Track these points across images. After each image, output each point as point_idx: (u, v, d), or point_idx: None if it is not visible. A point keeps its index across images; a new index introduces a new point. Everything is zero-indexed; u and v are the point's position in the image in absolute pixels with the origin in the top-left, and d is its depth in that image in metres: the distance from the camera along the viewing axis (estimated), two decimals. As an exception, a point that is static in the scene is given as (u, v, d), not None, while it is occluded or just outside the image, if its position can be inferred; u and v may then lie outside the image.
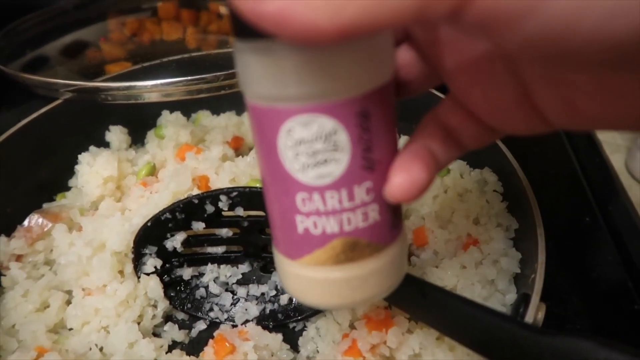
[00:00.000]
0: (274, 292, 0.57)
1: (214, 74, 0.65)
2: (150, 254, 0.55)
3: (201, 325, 0.56)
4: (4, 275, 0.56)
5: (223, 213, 0.56)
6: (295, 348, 0.54)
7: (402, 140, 0.75)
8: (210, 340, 0.50)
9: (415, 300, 0.44)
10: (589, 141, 0.84)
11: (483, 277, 0.54)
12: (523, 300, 0.44)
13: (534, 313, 0.41)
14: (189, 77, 0.63)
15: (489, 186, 0.61)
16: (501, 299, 0.51)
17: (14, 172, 0.64)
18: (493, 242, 0.56)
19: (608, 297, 0.63)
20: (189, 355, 0.51)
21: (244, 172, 0.62)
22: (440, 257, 0.60)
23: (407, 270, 0.37)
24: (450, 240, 0.60)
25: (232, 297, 0.57)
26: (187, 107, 0.79)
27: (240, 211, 0.55)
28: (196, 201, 0.54)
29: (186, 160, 0.64)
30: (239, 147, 0.76)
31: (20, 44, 0.89)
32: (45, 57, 0.89)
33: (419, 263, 0.60)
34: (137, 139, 0.76)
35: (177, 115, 0.76)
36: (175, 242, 0.56)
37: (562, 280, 0.64)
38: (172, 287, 0.57)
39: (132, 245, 0.55)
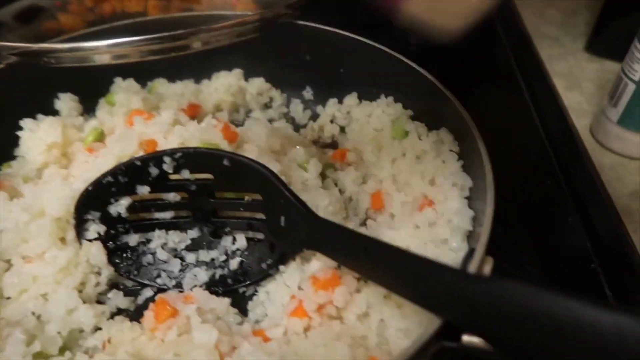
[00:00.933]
0: (223, 257, 0.55)
1: (167, 33, 0.62)
2: (93, 220, 0.53)
3: (148, 292, 0.54)
4: (-60, 245, 0.53)
5: (169, 176, 0.54)
6: (244, 312, 0.52)
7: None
8: (151, 304, 0.48)
9: (359, 256, 0.42)
10: (554, 106, 0.83)
11: (436, 237, 0.52)
12: (470, 255, 0.43)
13: (478, 265, 0.40)
14: (141, 37, 0.60)
15: (445, 146, 0.59)
16: (454, 257, 0.50)
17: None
18: (447, 201, 0.55)
19: (566, 257, 0.62)
20: (132, 321, 0.49)
21: (194, 137, 0.60)
22: (396, 220, 0.59)
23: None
24: (407, 202, 0.58)
25: (181, 264, 0.55)
26: (142, 75, 0.76)
27: (186, 174, 0.53)
28: (139, 163, 0.52)
29: (134, 124, 0.62)
30: (195, 115, 0.73)
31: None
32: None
33: (375, 226, 0.58)
34: (89, 108, 0.73)
35: (130, 82, 0.73)
36: (119, 207, 0.53)
37: (521, 241, 0.64)
38: (118, 253, 0.55)
39: (73, 210, 0.53)
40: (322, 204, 0.56)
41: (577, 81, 0.93)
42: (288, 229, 0.51)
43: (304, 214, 0.49)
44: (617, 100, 0.73)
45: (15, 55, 0.63)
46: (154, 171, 0.52)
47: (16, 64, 0.64)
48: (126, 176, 0.52)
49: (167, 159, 0.52)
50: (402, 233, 0.53)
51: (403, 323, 0.44)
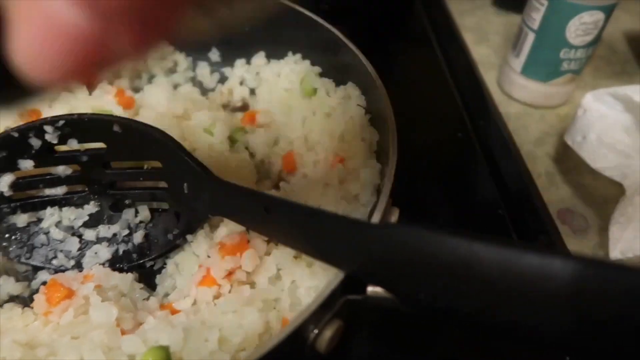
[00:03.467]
0: (126, 232, 0.52)
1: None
2: (-30, 201, 0.48)
3: (44, 276, 0.50)
4: None
5: (55, 148, 0.49)
6: (152, 287, 0.49)
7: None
8: (42, 287, 0.44)
9: (260, 216, 0.40)
10: (464, 60, 0.85)
11: (347, 193, 0.52)
12: (375, 207, 0.43)
13: (382, 215, 0.39)
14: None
15: (353, 100, 0.58)
16: (365, 213, 0.50)
17: None
18: (356, 157, 0.54)
19: (477, 206, 0.64)
20: (24, 308, 0.45)
21: (84, 105, 0.55)
22: (310, 180, 0.57)
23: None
24: (318, 161, 0.57)
25: (79, 242, 0.51)
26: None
27: (74, 144, 0.48)
28: (16, 135, 0.47)
29: (13, 94, 0.55)
30: (91, 85, 0.67)
31: None
32: None
33: (288, 188, 0.57)
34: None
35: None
36: (1, 185, 0.48)
37: (432, 193, 0.65)
38: (5, 237, 0.50)
39: (-57, 193, 0.47)
40: (230, 168, 0.54)
41: (485, 35, 0.95)
42: (192, 195, 0.48)
43: (205, 178, 0.46)
44: (519, 50, 0.75)
45: None
46: (35, 143, 0.47)
47: None
48: (3, 150, 0.47)
49: (48, 128, 0.47)
50: (314, 193, 0.52)
51: (313, 281, 0.43)
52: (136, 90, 0.71)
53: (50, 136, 0.47)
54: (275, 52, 0.70)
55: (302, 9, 0.66)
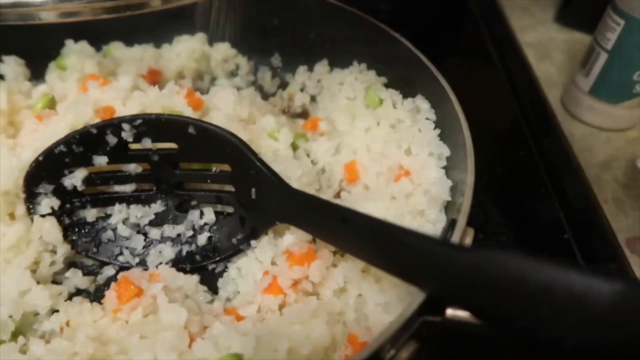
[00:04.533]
0: (190, 233, 0.52)
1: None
2: (46, 194, 0.49)
3: (109, 271, 0.51)
4: None
5: (129, 146, 0.49)
6: (214, 290, 0.49)
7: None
8: (113, 284, 0.45)
9: (337, 228, 0.40)
10: (526, 76, 0.83)
11: (413, 208, 0.51)
12: (450, 226, 0.42)
13: (459, 236, 0.38)
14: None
15: (422, 114, 0.57)
16: (432, 229, 0.49)
17: None
18: (424, 171, 0.53)
19: (540, 228, 0.62)
20: (92, 302, 0.46)
21: (155, 103, 0.56)
22: (371, 191, 0.57)
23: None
24: (382, 173, 0.56)
25: (145, 240, 0.52)
26: (96, 37, 0.70)
27: (148, 143, 0.49)
28: (94, 131, 0.48)
29: (89, 90, 0.57)
30: (156, 82, 0.68)
31: None
32: None
33: (350, 198, 0.56)
34: (38, 73, 0.67)
35: (83, 44, 0.68)
36: (74, 179, 0.49)
37: (495, 212, 0.63)
38: (75, 230, 0.51)
39: (22, 183, 0.48)
40: (295, 175, 0.53)
41: (548, 52, 0.92)
42: (259, 201, 0.48)
43: (276, 185, 0.46)
44: (588, 70, 0.72)
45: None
46: (111, 140, 0.48)
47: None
48: (81, 145, 0.48)
49: (125, 126, 0.48)
50: (378, 205, 0.51)
51: (382, 297, 0.42)
52: (198, 91, 0.72)
53: (127, 134, 0.48)
54: (339, 61, 0.70)
55: (372, 18, 0.66)
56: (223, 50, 0.74)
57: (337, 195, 0.58)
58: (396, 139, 0.57)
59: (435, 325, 0.35)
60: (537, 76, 0.83)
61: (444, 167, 0.53)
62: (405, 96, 0.61)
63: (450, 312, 0.34)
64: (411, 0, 1.05)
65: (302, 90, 0.72)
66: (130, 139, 0.48)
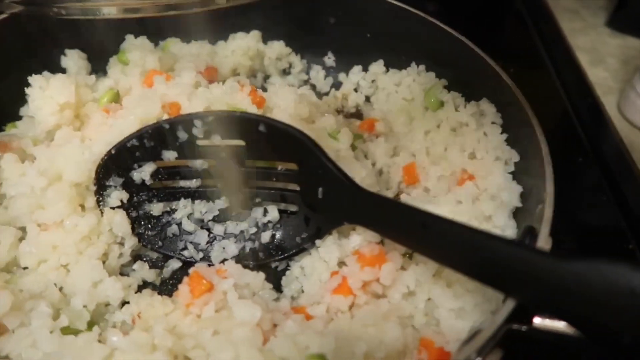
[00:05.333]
0: (254, 230, 0.52)
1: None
2: (115, 187, 0.49)
3: (174, 265, 0.51)
4: (-55, 210, 0.49)
5: (198, 142, 0.50)
6: (278, 288, 0.49)
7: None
8: (185, 278, 0.45)
9: (416, 232, 0.40)
10: (579, 81, 0.81)
11: (480, 213, 0.50)
12: (528, 233, 0.41)
13: (542, 246, 0.37)
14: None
15: (487, 118, 0.56)
16: (500, 235, 0.48)
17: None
18: (491, 176, 0.52)
19: (602, 237, 0.61)
20: (161, 295, 0.46)
21: (219, 100, 0.56)
22: (432, 194, 0.56)
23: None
24: (444, 176, 0.56)
25: (208, 235, 0.52)
26: (153, 34, 0.71)
27: (217, 139, 0.49)
28: (167, 126, 0.48)
29: (154, 85, 0.57)
30: (212, 79, 0.68)
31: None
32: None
33: (410, 200, 0.56)
34: (98, 67, 0.68)
35: (143, 40, 0.68)
36: (143, 173, 0.50)
37: (554, 220, 0.62)
38: (141, 223, 0.51)
39: (93, 176, 0.49)
40: (359, 177, 0.53)
41: (601, 57, 0.90)
42: (327, 201, 0.48)
43: (347, 186, 0.46)
44: (650, 76, 0.71)
45: (19, 4, 0.58)
46: (182, 135, 0.49)
47: (21, 14, 0.58)
48: (152, 140, 0.48)
49: (198, 122, 0.48)
50: (443, 209, 0.51)
51: (455, 303, 0.42)
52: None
53: (198, 130, 0.48)
54: (396, 61, 0.69)
55: (429, 16, 0.65)
56: (277, 48, 0.74)
57: (397, 197, 0.58)
58: (459, 143, 0.56)
59: (519, 334, 0.35)
60: (591, 81, 0.81)
61: (512, 172, 0.52)
62: (468, 99, 0.60)
63: (538, 321, 0.34)
64: (458, 1, 1.05)
65: (355, 90, 0.72)
66: (200, 135, 0.49)
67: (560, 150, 0.71)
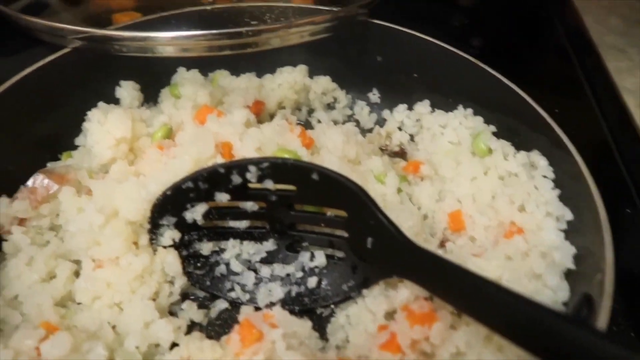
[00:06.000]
0: (300, 274, 0.52)
1: (240, 29, 0.59)
2: (169, 226, 0.50)
3: (221, 305, 0.52)
4: (5, 241, 0.51)
5: (250, 185, 0.50)
6: (322, 334, 0.50)
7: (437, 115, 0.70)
8: (236, 326, 0.46)
9: (466, 294, 0.39)
10: (626, 126, 0.79)
11: (530, 271, 0.49)
12: (585, 303, 0.40)
13: (605, 320, 0.37)
14: (212, 31, 0.57)
15: (539, 171, 0.56)
16: (551, 296, 0.47)
17: (14, 126, 0.58)
18: (542, 232, 0.51)
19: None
20: (210, 339, 0.47)
21: (270, 140, 0.57)
22: (478, 244, 0.56)
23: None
24: (491, 227, 0.55)
25: (255, 277, 0.52)
26: (204, 66, 0.73)
27: (269, 184, 0.50)
28: (222, 170, 0.49)
29: (207, 123, 0.58)
30: (259, 113, 0.70)
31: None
32: (45, 3, 0.81)
33: (456, 250, 0.56)
34: (150, 97, 0.70)
35: (195, 73, 0.70)
36: (195, 213, 0.51)
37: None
38: (191, 262, 0.52)
39: (148, 214, 0.50)
40: (406, 224, 0.53)
41: (650, 100, 0.89)
42: (376, 252, 0.48)
43: (398, 239, 0.46)
44: None
45: (81, 40, 0.60)
46: (236, 179, 0.49)
47: (81, 49, 0.61)
48: (206, 183, 0.49)
49: (252, 168, 0.49)
50: (492, 263, 0.50)
51: (506, 367, 0.41)
52: (298, 122, 0.73)
53: (251, 175, 0.49)
54: (442, 103, 0.69)
55: (477, 60, 0.65)
56: (323, 83, 0.75)
57: (442, 245, 0.57)
58: (508, 194, 0.56)
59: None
60: (639, 125, 0.80)
61: (564, 231, 0.51)
62: (518, 148, 0.60)
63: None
64: (502, 36, 1.04)
65: (400, 128, 0.72)
66: (254, 180, 0.49)
67: (608, 201, 0.70)
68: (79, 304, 0.48)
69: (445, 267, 0.42)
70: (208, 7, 0.71)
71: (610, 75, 0.91)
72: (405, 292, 0.47)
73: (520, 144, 0.60)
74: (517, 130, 0.60)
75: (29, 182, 0.54)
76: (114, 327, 0.46)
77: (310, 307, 0.51)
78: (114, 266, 0.48)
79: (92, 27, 0.67)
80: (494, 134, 0.63)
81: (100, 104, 0.64)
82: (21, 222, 0.52)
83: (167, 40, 0.58)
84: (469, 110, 0.66)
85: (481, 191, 0.59)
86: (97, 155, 0.58)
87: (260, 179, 0.50)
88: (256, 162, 0.49)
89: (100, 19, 0.81)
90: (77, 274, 0.50)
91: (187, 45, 0.58)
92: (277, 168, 0.49)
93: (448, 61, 0.66)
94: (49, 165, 0.60)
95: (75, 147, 0.63)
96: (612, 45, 1.02)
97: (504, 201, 0.56)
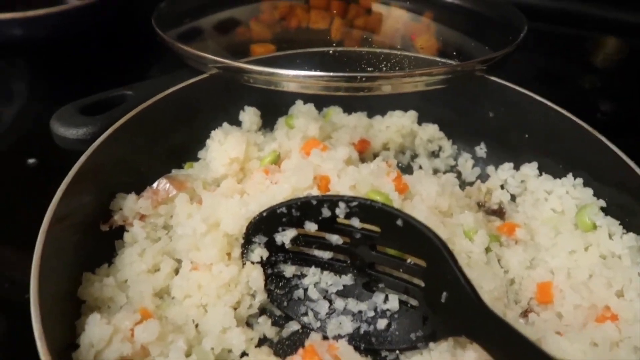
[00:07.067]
0: (372, 313, 0.54)
1: (356, 74, 0.63)
2: (259, 244, 0.55)
3: (293, 327, 0.55)
4: (127, 231, 0.59)
5: (338, 220, 0.54)
6: (382, 377, 0.50)
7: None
8: (300, 350, 0.48)
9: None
10: None
11: (616, 362, 0.46)
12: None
13: None
14: (330, 73, 0.62)
15: (647, 257, 0.51)
16: (636, 396, 0.43)
17: (153, 135, 0.68)
18: (638, 323, 0.47)
19: None
20: (277, 356, 0.50)
21: (365, 180, 0.59)
22: (565, 322, 0.53)
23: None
24: (582, 307, 0.52)
25: (329, 307, 0.55)
26: (320, 100, 0.78)
27: (355, 222, 0.52)
28: (314, 202, 0.53)
29: (311, 156, 0.63)
30: (363, 151, 0.73)
31: (181, 13, 0.94)
32: (199, 29, 0.93)
33: (539, 323, 0.53)
34: (268, 123, 0.77)
35: (310, 107, 0.76)
36: (285, 237, 0.55)
37: None
38: (273, 281, 0.56)
39: (244, 230, 0.55)
40: (487, 287, 0.52)
41: None
42: (448, 307, 0.48)
43: (472, 301, 0.45)
44: None
45: (218, 69, 0.68)
46: (326, 212, 0.53)
47: (216, 76, 0.69)
48: (299, 211, 0.53)
49: (342, 204, 0.52)
50: (574, 346, 0.47)
51: None
52: (398, 165, 0.75)
53: (340, 211, 0.52)
54: (551, 168, 0.67)
55: (594, 130, 0.62)
56: (430, 131, 0.77)
57: (525, 314, 0.55)
58: (607, 275, 0.52)
59: None
60: None
61: (665, 328, 0.47)
62: (627, 229, 0.56)
63: None
64: (636, 102, 0.97)
65: (502, 187, 0.71)
66: (341, 215, 0.52)
67: None
68: (173, 298, 0.54)
69: (516, 340, 0.41)
70: (330, 51, 0.77)
71: None
72: (473, 355, 0.47)
73: (631, 226, 0.56)
74: (630, 209, 0.56)
75: (154, 185, 0.63)
76: (196, 326, 0.51)
77: (376, 348, 0.52)
78: (207, 271, 0.54)
79: (229, 58, 0.76)
80: (603, 209, 0.59)
81: (225, 124, 0.72)
82: (142, 217, 0.60)
83: (289, 78, 0.64)
84: (579, 180, 0.63)
85: (578, 267, 0.55)
86: (213, 169, 0.65)
87: (348, 216, 0.52)
88: (347, 200, 0.52)
89: (241, 48, 0.91)
90: (177, 271, 0.56)
91: (306, 83, 0.64)
92: (365, 208, 0.51)
93: (563, 126, 0.64)
94: (174, 171, 0.68)
95: (197, 159, 0.71)
96: None
97: (601, 282, 0.52)
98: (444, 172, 0.74)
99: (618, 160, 0.57)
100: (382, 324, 0.53)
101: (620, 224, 0.56)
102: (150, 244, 0.58)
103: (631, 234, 0.54)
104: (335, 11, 1.00)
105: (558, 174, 0.65)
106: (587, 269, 0.54)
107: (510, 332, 0.42)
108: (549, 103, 0.66)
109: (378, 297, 0.54)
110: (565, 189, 0.63)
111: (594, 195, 0.61)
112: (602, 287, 0.52)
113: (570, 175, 0.64)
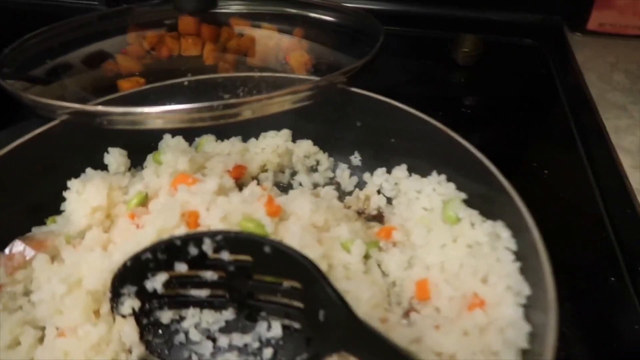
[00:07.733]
0: (257, 345, 0.52)
1: (219, 102, 0.61)
2: (129, 294, 0.52)
3: (179, 375, 0.52)
4: (-21, 306, 0.53)
5: (208, 255, 0.52)
6: (274, 409, 0.49)
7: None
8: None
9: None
10: (619, 188, 0.77)
11: (486, 347, 0.48)
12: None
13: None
14: (191, 105, 0.60)
15: (502, 242, 0.55)
16: (506, 377, 0.46)
17: (7, 192, 0.62)
18: (500, 306, 0.50)
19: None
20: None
21: (236, 210, 0.58)
22: (443, 314, 0.55)
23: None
24: (455, 297, 0.55)
25: (213, 346, 0.53)
26: (190, 131, 0.76)
27: (225, 255, 0.51)
28: (178, 243, 0.50)
29: (177, 193, 0.61)
30: (240, 177, 0.72)
31: (37, 54, 0.87)
32: (58, 71, 0.87)
33: (419, 321, 0.55)
34: (137, 162, 0.74)
35: (179, 140, 0.73)
36: (156, 282, 0.52)
37: (580, 347, 0.58)
38: (150, 330, 0.53)
39: (109, 284, 0.52)
40: (364, 297, 0.53)
41: (647, 159, 0.86)
42: (327, 325, 0.48)
43: (345, 314, 0.46)
44: (694, 193, 0.66)
45: (68, 115, 0.64)
46: (193, 250, 0.51)
47: (69, 122, 0.65)
48: (165, 254, 0.51)
49: (207, 240, 0.50)
50: (449, 338, 0.49)
51: None
52: (278, 184, 0.75)
53: (207, 247, 0.50)
54: (419, 168, 0.70)
55: (454, 133, 0.65)
56: (305, 147, 0.77)
57: (406, 315, 0.57)
58: (473, 264, 0.55)
59: None
60: (633, 188, 0.78)
61: (524, 306, 0.50)
62: (486, 217, 0.59)
63: None
64: (499, 93, 1.05)
65: (378, 192, 0.73)
66: (210, 251, 0.51)
67: (592, 268, 0.68)
68: (38, 372, 0.50)
69: (386, 347, 0.42)
70: (185, 82, 0.75)
71: (606, 134, 0.90)
72: (355, 370, 0.47)
73: (489, 214, 0.59)
74: (487, 198, 0.60)
75: (7, 250, 0.57)
76: (67, 397, 0.47)
77: (265, 379, 0.51)
78: (73, 335, 0.50)
79: (91, 96, 0.72)
80: (466, 201, 0.62)
81: (88, 170, 0.67)
82: (-4, 288, 0.55)
83: (148, 115, 0.61)
84: (443, 177, 0.66)
85: (450, 260, 0.58)
86: (74, 222, 0.61)
87: (217, 250, 0.51)
88: (211, 235, 0.50)
89: (108, 84, 0.86)
90: (42, 340, 0.52)
91: (168, 118, 0.62)
92: (231, 240, 0.50)
93: (422, 128, 0.67)
94: (34, 229, 0.63)
95: (60, 212, 0.66)
96: (614, 102, 1.01)
97: (469, 271, 0.55)
98: (324, 186, 0.75)
99: (468, 154, 0.61)
100: (267, 353, 0.52)
101: (479, 214, 0.60)
102: (7, 316, 0.52)
103: (489, 222, 0.58)
104: (206, 36, 0.99)
105: (425, 173, 0.68)
106: (458, 261, 0.57)
107: (380, 341, 0.43)
108: (406, 107, 0.69)
109: (261, 326, 0.53)
110: (432, 187, 0.66)
111: (457, 189, 0.64)
112: (470, 276, 0.54)
113: (434, 173, 0.67)
